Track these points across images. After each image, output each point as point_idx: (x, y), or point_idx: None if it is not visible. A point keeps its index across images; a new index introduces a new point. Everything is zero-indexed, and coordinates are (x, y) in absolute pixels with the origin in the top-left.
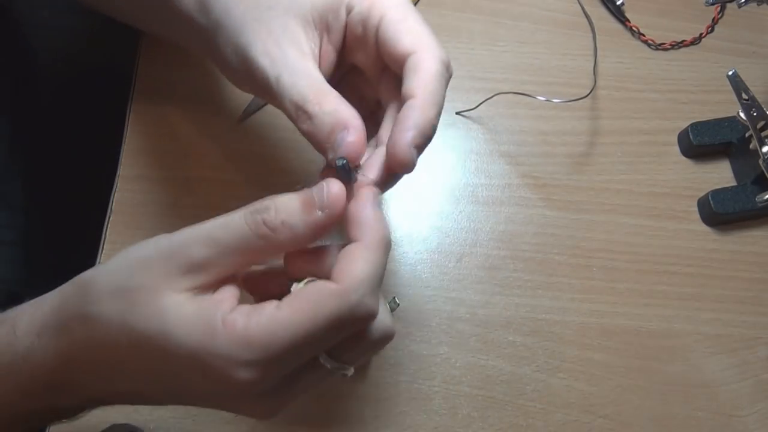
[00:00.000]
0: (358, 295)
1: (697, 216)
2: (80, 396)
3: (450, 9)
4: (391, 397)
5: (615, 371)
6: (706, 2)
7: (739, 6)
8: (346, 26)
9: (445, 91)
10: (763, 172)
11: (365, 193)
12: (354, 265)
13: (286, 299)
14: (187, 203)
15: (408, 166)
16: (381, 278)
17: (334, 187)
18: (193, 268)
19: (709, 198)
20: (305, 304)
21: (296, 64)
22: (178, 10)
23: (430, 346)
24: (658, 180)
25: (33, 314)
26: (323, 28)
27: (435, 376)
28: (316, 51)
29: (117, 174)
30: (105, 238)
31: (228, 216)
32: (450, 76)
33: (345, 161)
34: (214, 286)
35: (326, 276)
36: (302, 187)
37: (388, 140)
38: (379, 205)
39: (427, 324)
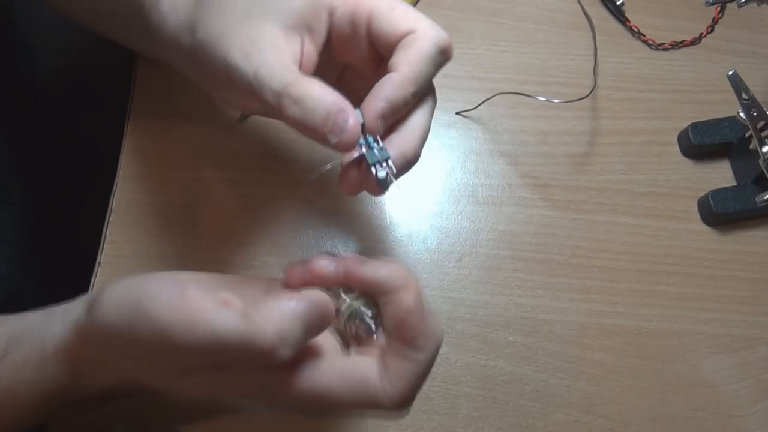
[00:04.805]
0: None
1: (697, 216)
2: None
3: (450, 9)
4: None
5: (615, 371)
6: (706, 2)
7: (739, 6)
8: (330, 28)
9: (433, 72)
10: (763, 172)
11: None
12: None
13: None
14: (187, 203)
15: (372, 133)
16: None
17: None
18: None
19: (709, 198)
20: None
21: (274, 60)
22: (163, 34)
23: None
24: (658, 180)
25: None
26: (304, 31)
27: (435, 376)
28: (297, 53)
29: (117, 174)
30: (105, 238)
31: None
32: (445, 61)
33: (387, 174)
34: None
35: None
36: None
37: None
38: None
39: None
